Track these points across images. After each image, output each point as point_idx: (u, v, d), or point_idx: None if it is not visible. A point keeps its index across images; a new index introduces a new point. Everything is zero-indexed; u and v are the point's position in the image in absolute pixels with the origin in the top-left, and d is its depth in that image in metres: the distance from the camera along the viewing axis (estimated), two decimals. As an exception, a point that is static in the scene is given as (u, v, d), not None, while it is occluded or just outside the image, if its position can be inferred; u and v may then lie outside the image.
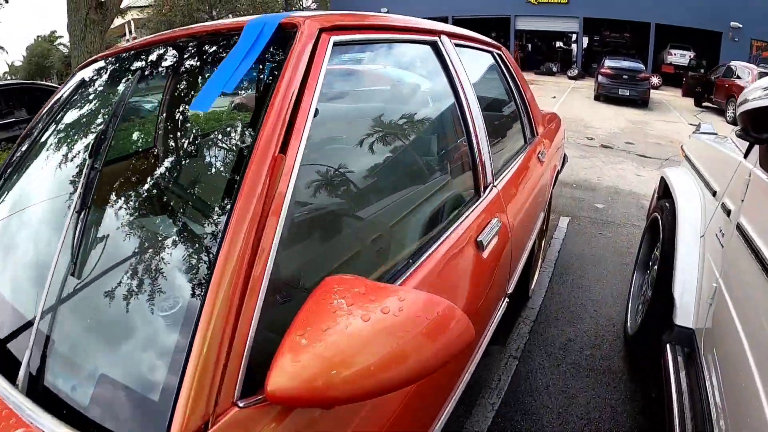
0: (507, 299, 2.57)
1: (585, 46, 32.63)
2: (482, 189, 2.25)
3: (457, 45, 2.44)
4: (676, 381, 2.31)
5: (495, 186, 2.38)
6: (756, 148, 2.27)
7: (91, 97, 1.95)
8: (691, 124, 15.50)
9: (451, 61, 2.25)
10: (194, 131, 1.54)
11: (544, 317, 3.99)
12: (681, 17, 27.01)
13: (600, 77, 20.06)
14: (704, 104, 19.96)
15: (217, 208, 1.16)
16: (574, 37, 32.89)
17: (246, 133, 1.28)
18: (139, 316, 1.11)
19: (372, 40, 1.79)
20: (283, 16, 1.45)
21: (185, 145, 1.55)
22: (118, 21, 53.70)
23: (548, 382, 3.22)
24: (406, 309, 0.97)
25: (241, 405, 0.96)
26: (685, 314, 2.55)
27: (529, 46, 35.02)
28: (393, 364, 0.91)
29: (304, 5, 46.88)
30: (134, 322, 1.12)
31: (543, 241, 4.68)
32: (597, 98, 20.26)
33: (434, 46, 2.22)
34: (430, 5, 32.81)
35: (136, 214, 1.36)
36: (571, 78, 29.27)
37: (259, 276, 1.03)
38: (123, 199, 1.43)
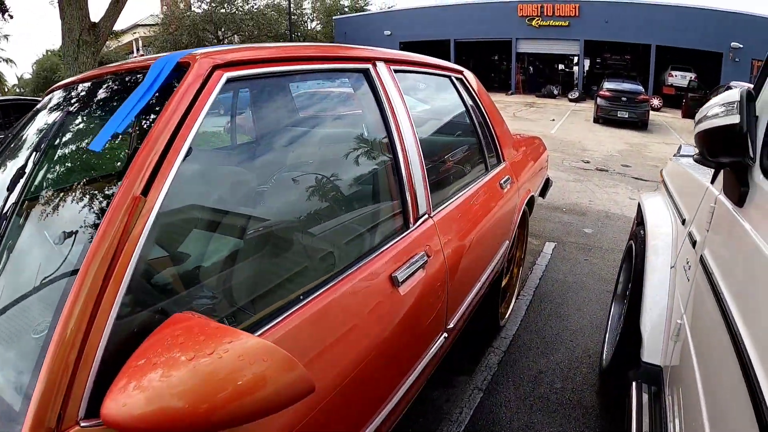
0: (446, 334, 2.40)
1: (586, 68, 32.63)
2: (412, 220, 2.12)
3: (397, 71, 2.36)
4: (637, 422, 2.16)
5: (431, 217, 2.25)
6: (721, 173, 2.11)
7: (30, 128, 2.01)
8: (691, 146, 15.33)
9: (384, 87, 2.15)
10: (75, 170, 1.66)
11: (517, 347, 3.83)
12: (682, 39, 27.07)
13: (599, 99, 19.98)
14: (705, 126, 19.72)
15: (80, 244, 1.21)
16: (575, 59, 32.97)
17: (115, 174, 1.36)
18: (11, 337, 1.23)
19: (281, 72, 1.71)
20: (183, 54, 1.46)
21: (64, 185, 1.63)
22: (127, 38, 54.51)
23: (512, 416, 3.07)
24: (228, 355, 0.97)
25: (83, 425, 0.99)
26: (652, 351, 2.40)
27: (531, 68, 35.04)
28: (202, 406, 0.92)
29: (309, 27, 47.37)
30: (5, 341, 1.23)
31: (519, 270, 4.51)
32: (596, 121, 20.15)
33: (366, 73, 2.13)
34: (433, 29, 33.23)
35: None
36: (571, 100, 29.22)
37: (107, 306, 1.06)
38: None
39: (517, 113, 22.84)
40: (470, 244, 2.61)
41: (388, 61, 2.27)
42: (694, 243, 2.22)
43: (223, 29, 40.54)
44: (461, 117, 3.37)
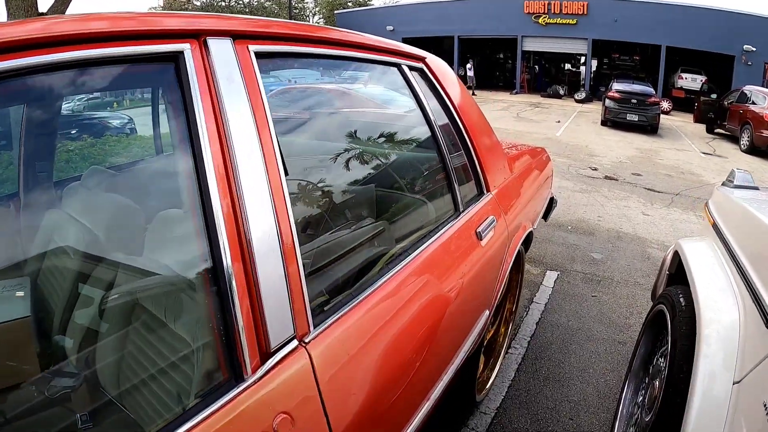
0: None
1: (594, 68, 31.65)
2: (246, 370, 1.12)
3: (266, 54, 1.42)
4: None
5: (303, 345, 1.26)
6: None
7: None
8: (704, 153, 14.41)
9: (210, 85, 1.19)
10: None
11: (499, 428, 2.89)
12: (693, 40, 26.04)
13: (607, 101, 18.88)
14: (717, 131, 18.74)
15: None
16: (582, 59, 32.02)
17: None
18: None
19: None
20: None
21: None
22: None
23: None
24: None
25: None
26: None
27: (537, 67, 34.06)
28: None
29: (311, 22, 46.52)
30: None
31: (509, 327, 3.56)
32: (604, 123, 19.09)
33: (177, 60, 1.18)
34: (437, 25, 32.42)
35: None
36: (578, 101, 28.19)
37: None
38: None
39: (521, 114, 21.81)
40: (407, 358, 1.65)
41: (241, 37, 1.32)
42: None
43: None
44: (413, 129, 2.57)
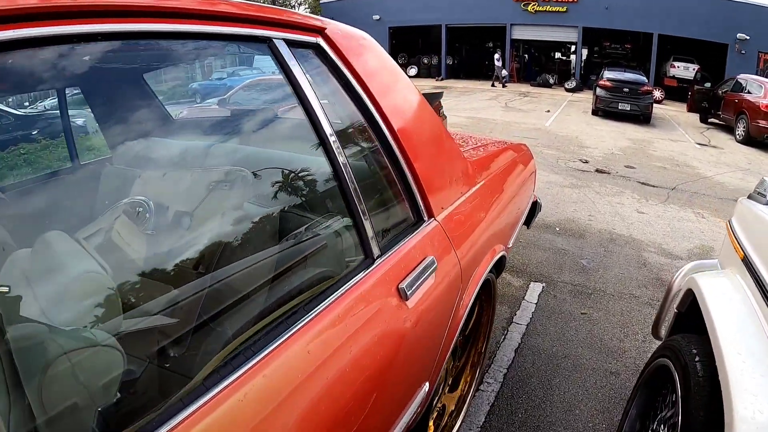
0: None
1: (584, 57, 31.05)
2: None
3: None
4: None
5: None
6: None
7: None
8: (699, 144, 13.82)
9: None
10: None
11: None
12: (685, 28, 25.49)
13: (598, 90, 18.24)
14: (711, 120, 18.18)
15: None
16: (573, 47, 31.38)
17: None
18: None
19: None
20: None
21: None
22: None
23: None
24: None
25: None
26: None
27: (526, 56, 33.41)
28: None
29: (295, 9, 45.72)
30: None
31: (476, 372, 2.92)
32: (595, 113, 18.46)
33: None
34: (424, 13, 31.72)
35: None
36: (568, 90, 27.54)
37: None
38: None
39: (510, 103, 21.15)
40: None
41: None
42: None
43: None
44: (291, 135, 2.04)
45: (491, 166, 3.01)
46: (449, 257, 2.04)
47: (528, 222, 3.79)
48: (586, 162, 10.38)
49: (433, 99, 7.49)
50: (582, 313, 4.11)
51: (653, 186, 8.67)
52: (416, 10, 31.91)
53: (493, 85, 27.70)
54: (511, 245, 3.06)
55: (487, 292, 2.78)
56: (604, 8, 27.11)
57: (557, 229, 6.12)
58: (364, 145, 1.96)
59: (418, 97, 2.34)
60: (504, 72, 28.21)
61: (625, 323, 3.98)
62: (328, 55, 1.77)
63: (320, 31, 1.76)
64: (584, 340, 3.72)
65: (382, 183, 1.96)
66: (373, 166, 1.97)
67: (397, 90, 2.18)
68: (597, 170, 9.69)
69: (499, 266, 2.82)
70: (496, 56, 28.41)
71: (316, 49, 1.74)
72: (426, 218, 2.02)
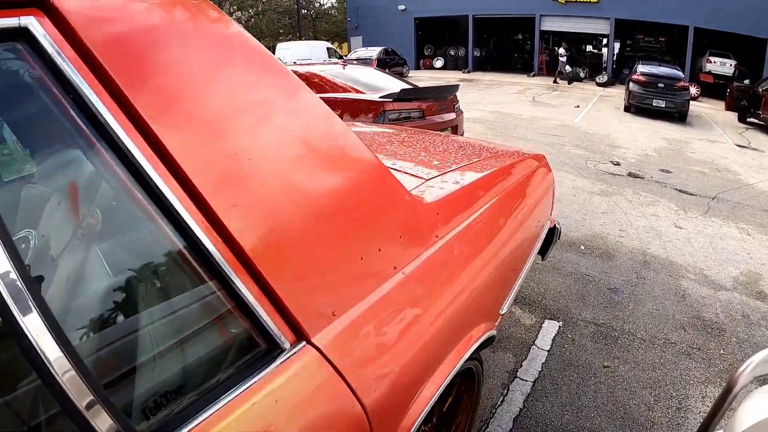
0: None
1: (616, 50, 29.94)
2: None
3: None
4: None
5: None
6: None
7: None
8: (738, 146, 12.89)
9: None
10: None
11: None
12: (723, 22, 24.29)
13: (632, 85, 17.27)
14: (750, 120, 17.11)
15: None
16: (604, 40, 30.26)
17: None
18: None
19: None
20: None
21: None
22: None
23: None
24: None
25: None
26: None
27: (556, 49, 32.39)
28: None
29: (322, 2, 45.48)
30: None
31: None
32: (627, 109, 17.53)
33: None
34: (450, 3, 31.10)
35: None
36: (599, 85, 26.56)
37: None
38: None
39: (537, 97, 20.33)
40: None
41: None
42: None
43: (227, 4, 38.89)
44: None
45: (486, 193, 2.32)
46: (336, 399, 1.28)
47: (543, 252, 3.08)
48: (618, 164, 9.57)
49: (448, 92, 6.80)
50: (604, 367, 3.38)
51: (692, 194, 7.85)
52: (443, 0, 31.12)
53: (555, 81, 26.50)
54: (505, 312, 2.32)
55: (468, 377, 2.19)
56: (637, -1, 26.07)
57: (582, 247, 5.36)
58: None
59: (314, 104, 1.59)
60: (568, 68, 26.94)
61: (656, 382, 3.24)
62: (44, 50, 1.01)
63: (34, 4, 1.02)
64: (603, 406, 2.99)
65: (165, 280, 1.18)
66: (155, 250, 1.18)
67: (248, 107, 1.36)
68: (629, 174, 8.89)
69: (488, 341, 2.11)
70: (561, 50, 26.90)
71: (24, 36, 1.00)
72: (288, 344, 1.21)
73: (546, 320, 3.87)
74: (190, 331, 1.15)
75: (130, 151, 1.04)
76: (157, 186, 1.05)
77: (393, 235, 1.65)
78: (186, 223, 1.07)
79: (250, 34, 1.47)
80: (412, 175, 2.29)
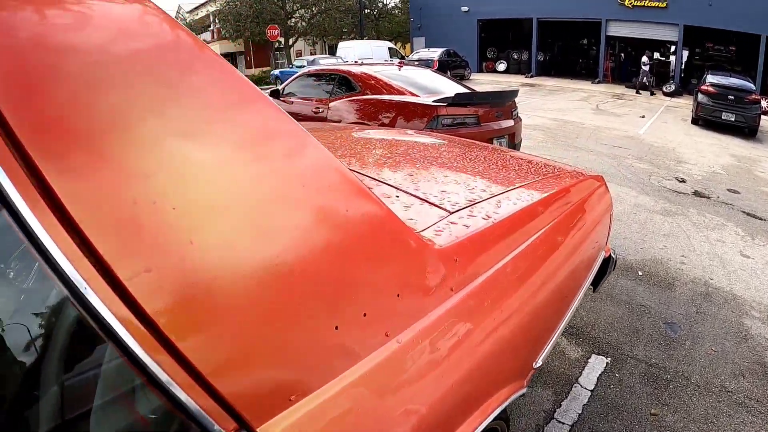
0: None
1: (685, 58, 28.98)
2: None
3: None
4: None
5: None
6: None
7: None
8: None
9: None
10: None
11: None
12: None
13: (700, 96, 16.64)
14: (827, 138, 16.31)
15: None
16: (672, 47, 29.33)
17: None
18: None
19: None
20: None
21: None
22: (203, 11, 54.85)
23: None
24: None
25: None
26: None
27: (622, 55, 31.53)
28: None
29: (385, 2, 45.56)
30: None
31: None
32: (695, 122, 16.90)
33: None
34: (514, 5, 30.66)
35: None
36: (666, 94, 25.65)
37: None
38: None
39: (601, 105, 19.85)
40: None
41: None
42: None
43: (290, 2, 39.37)
44: None
45: (526, 228, 2.00)
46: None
47: (596, 283, 2.87)
48: (683, 181, 9.23)
49: (505, 98, 6.61)
50: (652, 414, 3.16)
51: (761, 219, 7.48)
52: (507, 1, 30.74)
53: (638, 92, 25.51)
54: (540, 364, 2.08)
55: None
56: (707, 5, 25.08)
57: (640, 273, 5.13)
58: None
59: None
60: (646, 78, 25.83)
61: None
62: None
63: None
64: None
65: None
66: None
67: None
68: (695, 193, 8.56)
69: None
70: (644, 59, 25.83)
71: None
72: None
73: (593, 355, 3.68)
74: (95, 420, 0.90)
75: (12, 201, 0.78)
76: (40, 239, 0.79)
77: (387, 293, 1.31)
78: (80, 291, 0.81)
79: (205, 47, 1.16)
80: (435, 205, 1.93)
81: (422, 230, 1.65)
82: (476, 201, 2.04)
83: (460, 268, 1.57)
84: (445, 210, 1.90)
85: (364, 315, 1.22)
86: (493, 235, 1.81)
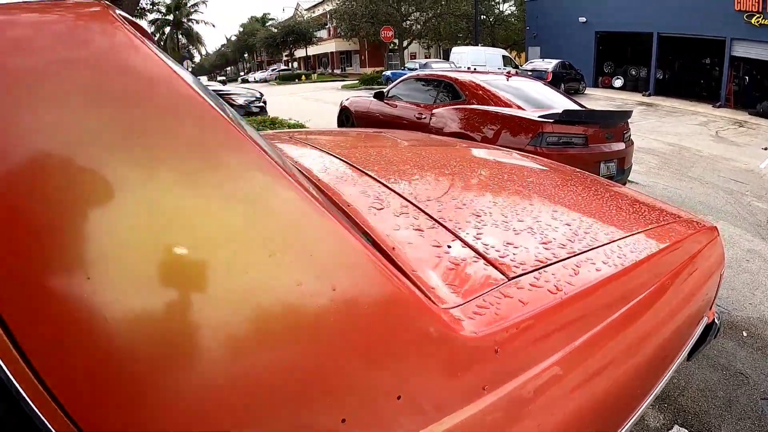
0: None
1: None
2: None
3: None
4: None
5: None
6: None
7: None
8: None
9: None
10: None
11: None
12: None
13: (833, 129, 15.33)
14: None
15: None
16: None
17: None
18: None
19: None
20: None
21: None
22: (320, 10, 56.42)
23: None
24: None
25: None
26: None
27: (747, 78, 29.58)
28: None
29: (501, 9, 45.31)
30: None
31: None
32: (825, 157, 15.53)
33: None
34: (634, 18, 29.68)
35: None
36: (795, 124, 23.91)
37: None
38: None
39: (721, 132, 18.55)
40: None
41: None
42: None
43: (406, 4, 39.75)
44: None
45: (609, 300, 1.47)
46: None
47: (692, 352, 2.44)
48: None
49: (618, 118, 6.27)
50: None
51: None
52: (627, 13, 29.64)
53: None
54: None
55: None
56: None
57: (744, 334, 4.51)
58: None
59: None
60: None
61: None
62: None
63: None
64: None
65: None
66: None
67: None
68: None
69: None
70: None
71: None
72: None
73: (676, 426, 3.21)
74: None
75: None
76: None
77: (382, 395, 0.96)
78: None
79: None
80: (492, 263, 1.44)
81: (457, 305, 1.19)
82: (549, 262, 1.50)
83: (501, 361, 1.14)
84: (504, 273, 1.38)
85: (343, 421, 0.89)
86: (558, 315, 1.31)
